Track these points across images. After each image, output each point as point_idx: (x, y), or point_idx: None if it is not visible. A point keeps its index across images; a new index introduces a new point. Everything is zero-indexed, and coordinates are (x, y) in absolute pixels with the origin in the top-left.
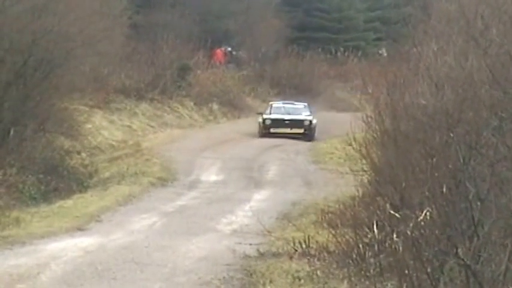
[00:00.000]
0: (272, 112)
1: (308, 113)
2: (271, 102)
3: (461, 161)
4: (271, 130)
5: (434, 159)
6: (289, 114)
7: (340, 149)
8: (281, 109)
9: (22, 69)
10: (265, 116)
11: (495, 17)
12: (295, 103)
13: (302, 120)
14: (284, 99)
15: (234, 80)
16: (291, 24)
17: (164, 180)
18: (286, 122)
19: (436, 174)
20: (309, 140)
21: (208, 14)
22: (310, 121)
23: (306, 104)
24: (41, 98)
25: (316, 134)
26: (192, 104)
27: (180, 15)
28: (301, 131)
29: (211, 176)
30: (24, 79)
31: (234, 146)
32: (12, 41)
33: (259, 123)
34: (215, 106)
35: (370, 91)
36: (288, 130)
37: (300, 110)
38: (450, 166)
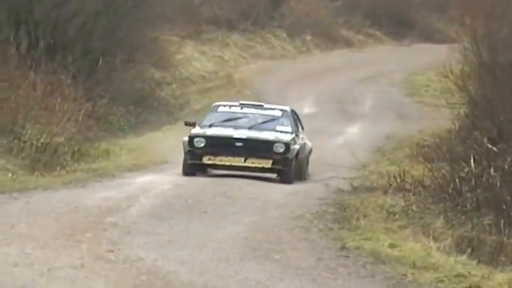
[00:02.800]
0: (213, 124)
1: (288, 128)
2: (215, 104)
3: None
4: (205, 160)
5: None
6: (247, 128)
7: (436, 82)
8: (233, 118)
9: None
10: (193, 132)
11: None
12: (266, 106)
13: (271, 143)
14: (379, 31)
15: (328, 10)
16: None
17: None
18: (237, 144)
19: None
20: (285, 182)
21: None
22: (287, 144)
23: (288, 109)
24: (131, 28)
25: (306, 171)
26: (284, 34)
27: None
28: (267, 164)
29: (303, 108)
30: (114, 8)
31: (328, 78)
32: None
33: (183, 144)
34: (308, 37)
35: (467, 22)
36: (238, 161)
37: (272, 121)
38: None
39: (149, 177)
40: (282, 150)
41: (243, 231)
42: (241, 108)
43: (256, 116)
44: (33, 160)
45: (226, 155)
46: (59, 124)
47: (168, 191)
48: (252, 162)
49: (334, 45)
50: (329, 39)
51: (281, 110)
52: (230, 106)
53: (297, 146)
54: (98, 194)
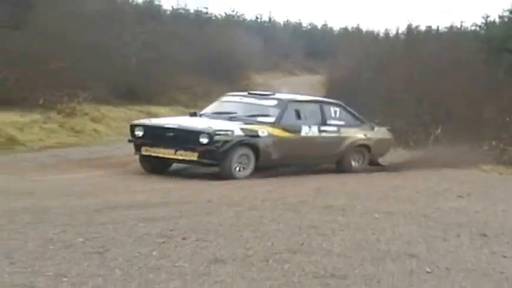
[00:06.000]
0: (204, 114)
1: (270, 119)
2: (227, 93)
3: None
4: (144, 151)
5: None
6: (228, 119)
7: (308, 83)
8: (228, 108)
9: None
10: (135, 121)
11: None
12: (272, 96)
13: (197, 134)
14: (302, 67)
15: (292, 64)
16: None
17: None
18: (169, 134)
19: None
20: (223, 178)
21: None
22: (211, 135)
23: (286, 98)
24: None
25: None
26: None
27: None
28: (194, 156)
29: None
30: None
31: (291, 82)
32: None
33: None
34: (287, 68)
35: (330, 65)
36: (169, 153)
37: (262, 112)
38: None
39: None
40: (206, 141)
41: None
42: (245, 98)
43: (251, 105)
44: None
45: (159, 146)
46: None
47: None
48: (181, 155)
49: (287, 74)
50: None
51: (278, 99)
52: (239, 96)
53: (231, 137)
54: None
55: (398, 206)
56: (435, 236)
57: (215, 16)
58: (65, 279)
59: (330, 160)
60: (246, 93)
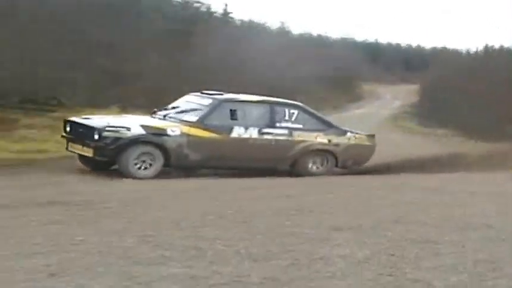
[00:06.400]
0: (156, 111)
1: (192, 118)
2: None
3: None
4: (69, 147)
5: None
6: (162, 117)
7: (414, 90)
8: (177, 105)
9: None
10: (69, 118)
11: None
12: (215, 97)
13: (93, 130)
14: (395, 78)
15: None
16: None
17: None
18: (80, 130)
19: None
20: (122, 176)
21: None
22: (100, 131)
23: (219, 99)
24: None
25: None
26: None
27: None
28: (90, 152)
29: (387, 97)
30: None
31: (390, 90)
32: None
33: None
34: (386, 81)
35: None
36: (79, 149)
37: (195, 111)
38: None
39: None
40: (96, 137)
41: None
42: (195, 97)
43: (192, 104)
44: None
45: (75, 142)
46: None
47: None
48: (84, 151)
49: (388, 84)
50: (389, 83)
51: (214, 98)
52: (193, 95)
53: (123, 135)
54: None
55: (478, 188)
56: (507, 211)
57: (333, 39)
58: (219, 241)
59: (276, 163)
60: (199, 92)
